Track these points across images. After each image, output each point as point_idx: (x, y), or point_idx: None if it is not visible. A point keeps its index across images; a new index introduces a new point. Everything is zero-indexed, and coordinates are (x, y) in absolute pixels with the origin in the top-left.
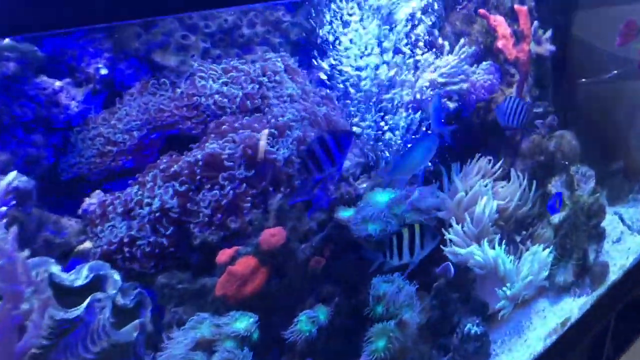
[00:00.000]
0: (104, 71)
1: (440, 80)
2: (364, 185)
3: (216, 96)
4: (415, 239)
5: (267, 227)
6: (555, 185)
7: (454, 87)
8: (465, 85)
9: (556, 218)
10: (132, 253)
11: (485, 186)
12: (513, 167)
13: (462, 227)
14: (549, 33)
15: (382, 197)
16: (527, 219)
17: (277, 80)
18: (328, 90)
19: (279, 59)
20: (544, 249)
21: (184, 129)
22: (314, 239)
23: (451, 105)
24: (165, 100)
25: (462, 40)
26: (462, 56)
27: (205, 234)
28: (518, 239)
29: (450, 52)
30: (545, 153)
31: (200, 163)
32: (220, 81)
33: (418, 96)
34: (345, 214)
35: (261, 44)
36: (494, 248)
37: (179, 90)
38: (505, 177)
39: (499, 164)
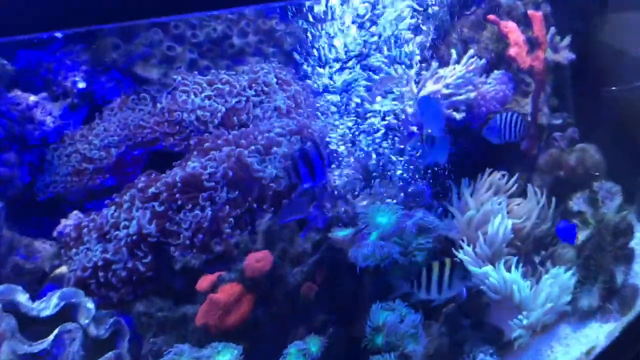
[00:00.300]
0: (81, 84)
1: (445, 91)
2: (364, 202)
3: (198, 111)
4: (444, 275)
5: (255, 250)
6: (577, 203)
7: (460, 98)
8: (472, 95)
9: (579, 238)
10: (108, 278)
11: (499, 204)
12: (530, 182)
13: (474, 248)
14: (567, 40)
15: (383, 217)
16: (547, 239)
17: (267, 92)
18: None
19: (271, 70)
20: (565, 271)
21: (166, 145)
22: (305, 263)
23: (458, 116)
24: (145, 115)
25: (470, 50)
26: (471, 67)
27: (186, 257)
28: (537, 259)
29: (457, 61)
30: (566, 168)
31: (179, 184)
32: (204, 95)
33: (411, 109)
34: (341, 233)
35: (254, 54)
36: (509, 271)
37: (159, 106)
38: (522, 193)
39: (513, 180)
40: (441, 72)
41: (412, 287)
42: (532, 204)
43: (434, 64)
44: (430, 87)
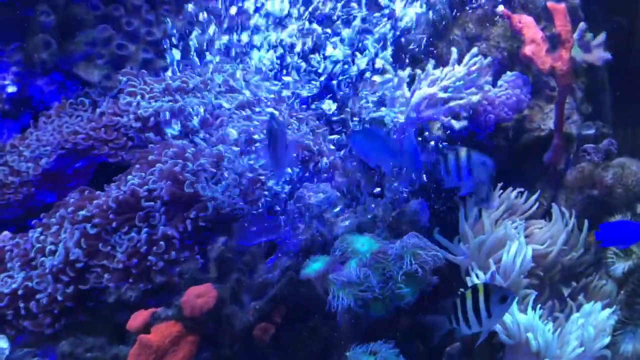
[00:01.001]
0: (11, 89)
1: (442, 95)
2: (346, 223)
3: (143, 115)
4: (480, 302)
5: (204, 280)
6: None
7: (460, 103)
8: (475, 98)
9: (619, 268)
10: (29, 310)
11: (516, 227)
12: (555, 202)
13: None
14: (601, 37)
15: (363, 243)
16: (578, 268)
17: (229, 92)
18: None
19: (237, 68)
20: (603, 308)
21: (106, 154)
22: (259, 300)
23: (457, 125)
24: (83, 122)
25: (474, 48)
26: (474, 67)
27: (121, 289)
28: (566, 292)
29: (459, 60)
30: (600, 186)
31: (112, 206)
32: (148, 96)
33: (412, 115)
34: (311, 268)
35: (221, 53)
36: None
37: (98, 110)
38: (545, 215)
39: (533, 198)
40: (437, 73)
41: (451, 323)
42: (558, 226)
43: (430, 62)
44: (424, 91)
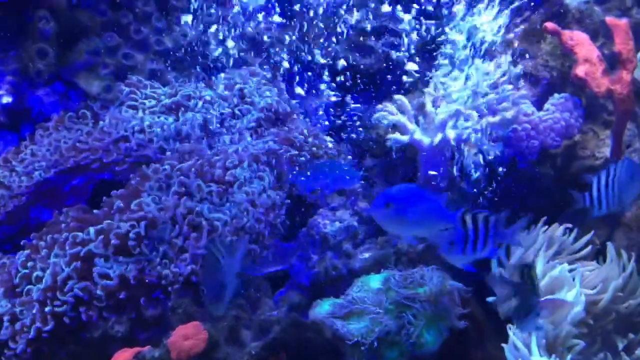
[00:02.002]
0: (6, 99)
1: (467, 111)
2: (366, 255)
3: (142, 132)
4: None
5: (198, 316)
6: None
7: (491, 120)
8: (509, 114)
9: None
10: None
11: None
12: (610, 241)
13: None
14: None
15: (376, 282)
16: (638, 317)
17: (246, 107)
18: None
19: (252, 84)
20: None
21: (101, 171)
22: (257, 344)
23: (491, 153)
24: (82, 136)
25: (503, 57)
26: (503, 78)
27: (108, 322)
28: (620, 345)
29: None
30: None
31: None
32: (152, 109)
33: (438, 138)
34: (321, 309)
35: (236, 64)
36: None
37: (100, 124)
38: (597, 255)
39: (586, 238)
40: (454, 85)
41: None
42: (613, 268)
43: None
44: (443, 110)
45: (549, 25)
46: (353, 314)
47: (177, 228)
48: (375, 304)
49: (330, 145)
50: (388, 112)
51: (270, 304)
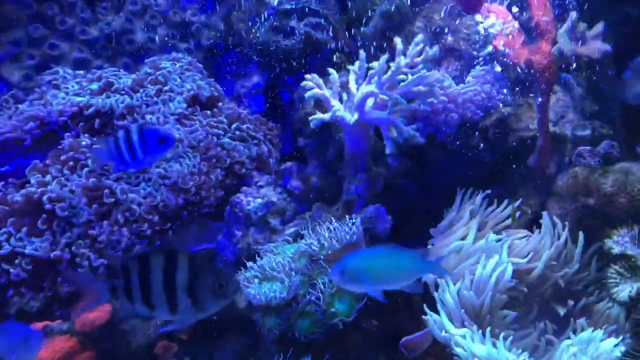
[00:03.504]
0: None
1: (383, 97)
2: (291, 230)
3: (65, 110)
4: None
5: None
6: (619, 242)
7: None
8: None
9: (625, 291)
10: None
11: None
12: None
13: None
14: (598, 27)
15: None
16: (576, 285)
17: (165, 92)
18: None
19: (176, 69)
20: (605, 336)
21: (28, 155)
22: None
23: (394, 133)
24: (4, 119)
25: (418, 36)
26: (418, 58)
27: (24, 299)
28: (561, 311)
29: (404, 52)
30: (598, 194)
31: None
32: (72, 92)
33: (355, 117)
34: (264, 287)
35: (161, 50)
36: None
37: (20, 107)
38: (531, 225)
39: (512, 206)
40: (375, 65)
41: None
42: (547, 238)
43: (361, 54)
44: (363, 90)
45: None
46: (266, 280)
47: (87, 208)
48: (287, 270)
49: (262, 126)
50: (316, 84)
51: None
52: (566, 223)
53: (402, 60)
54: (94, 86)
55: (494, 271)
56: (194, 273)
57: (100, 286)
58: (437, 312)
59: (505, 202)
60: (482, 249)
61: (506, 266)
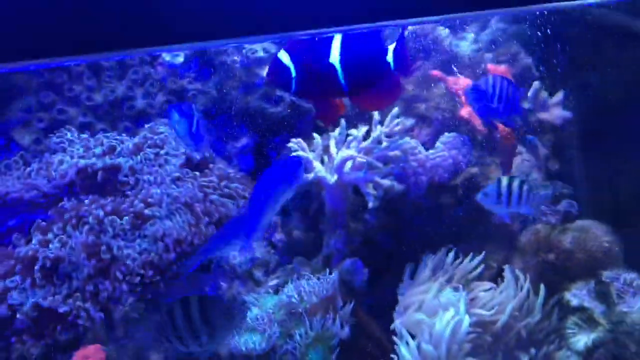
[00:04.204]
0: None
1: (361, 159)
2: (275, 282)
3: (68, 172)
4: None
5: (108, 340)
6: (577, 295)
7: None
8: (394, 155)
9: (582, 341)
10: None
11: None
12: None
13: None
14: (558, 96)
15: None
16: (538, 334)
17: (159, 155)
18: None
19: (171, 132)
20: None
21: (33, 212)
22: None
23: (372, 197)
24: (13, 180)
25: (395, 109)
26: (396, 128)
27: (26, 345)
28: (525, 358)
29: (381, 122)
30: (558, 250)
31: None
32: (77, 155)
33: (334, 178)
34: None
35: (159, 115)
36: None
37: (28, 169)
38: (496, 278)
39: (477, 260)
40: (355, 132)
41: None
42: (509, 291)
43: (342, 122)
44: (344, 152)
45: (435, 72)
46: (248, 330)
47: (86, 264)
48: (267, 321)
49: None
50: (300, 148)
51: None
52: (527, 276)
53: (382, 129)
54: (98, 150)
55: (449, 324)
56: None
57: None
58: None
59: (470, 255)
60: (443, 304)
61: (462, 318)
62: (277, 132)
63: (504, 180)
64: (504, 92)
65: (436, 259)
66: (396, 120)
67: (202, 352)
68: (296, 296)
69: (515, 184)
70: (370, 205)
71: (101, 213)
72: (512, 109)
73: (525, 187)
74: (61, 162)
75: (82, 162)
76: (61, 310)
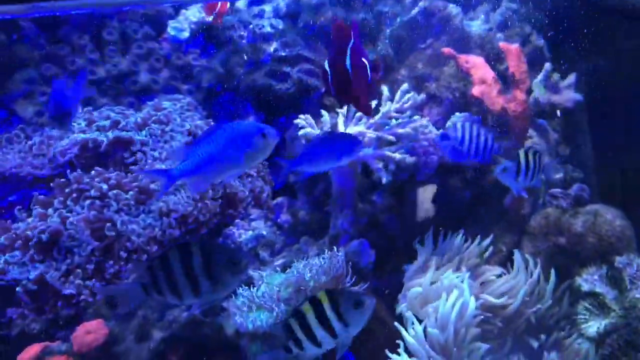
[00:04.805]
0: None
1: (371, 134)
2: (280, 261)
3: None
4: (326, 313)
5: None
6: (588, 280)
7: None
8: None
9: (594, 327)
10: None
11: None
12: (518, 249)
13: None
14: (570, 78)
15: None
16: (548, 320)
17: (164, 132)
18: None
19: (177, 109)
20: None
21: (34, 186)
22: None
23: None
24: (14, 153)
25: (404, 84)
26: (406, 104)
27: (25, 320)
28: (535, 344)
29: (391, 99)
30: (569, 234)
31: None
32: (77, 128)
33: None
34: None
35: (163, 91)
36: None
37: (29, 142)
38: (505, 262)
39: (486, 241)
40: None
41: (288, 350)
42: (520, 277)
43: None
44: (354, 129)
45: (446, 50)
46: (254, 308)
47: (88, 240)
48: (274, 299)
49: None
50: (308, 124)
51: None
52: (538, 261)
53: (391, 105)
54: (102, 123)
55: (454, 306)
56: (207, 256)
57: (134, 288)
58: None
59: (478, 238)
60: (446, 287)
61: (468, 300)
62: (283, 109)
63: (522, 154)
64: (474, 136)
65: (445, 242)
66: (407, 96)
67: (203, 303)
68: (308, 273)
69: (531, 156)
70: (384, 180)
71: (105, 186)
72: (484, 152)
73: (540, 158)
74: (62, 138)
75: (84, 136)
76: (62, 289)
